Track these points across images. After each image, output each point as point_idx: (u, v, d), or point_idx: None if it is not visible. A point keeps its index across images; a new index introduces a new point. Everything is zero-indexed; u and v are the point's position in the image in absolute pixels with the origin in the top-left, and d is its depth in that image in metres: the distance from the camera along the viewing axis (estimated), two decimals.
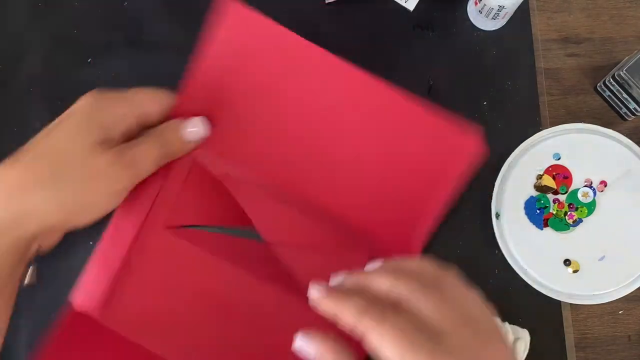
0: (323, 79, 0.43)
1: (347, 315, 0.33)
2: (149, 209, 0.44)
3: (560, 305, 0.47)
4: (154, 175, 0.42)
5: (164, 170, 0.43)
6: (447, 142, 0.42)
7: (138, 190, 0.42)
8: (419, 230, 0.43)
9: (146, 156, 0.40)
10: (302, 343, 0.34)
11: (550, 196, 0.47)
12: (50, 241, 0.40)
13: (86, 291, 0.43)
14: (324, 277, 0.39)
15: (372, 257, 0.42)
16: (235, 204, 0.44)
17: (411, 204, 0.43)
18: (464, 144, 0.42)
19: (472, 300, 0.35)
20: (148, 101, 0.42)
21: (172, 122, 0.42)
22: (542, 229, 0.47)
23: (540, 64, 0.50)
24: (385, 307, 0.33)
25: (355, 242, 0.44)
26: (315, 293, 0.35)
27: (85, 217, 0.39)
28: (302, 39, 0.42)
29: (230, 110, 0.44)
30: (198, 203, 0.45)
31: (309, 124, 0.43)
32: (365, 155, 0.43)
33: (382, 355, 0.32)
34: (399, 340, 0.31)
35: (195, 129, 0.42)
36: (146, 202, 0.44)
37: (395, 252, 0.41)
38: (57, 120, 0.40)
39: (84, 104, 0.39)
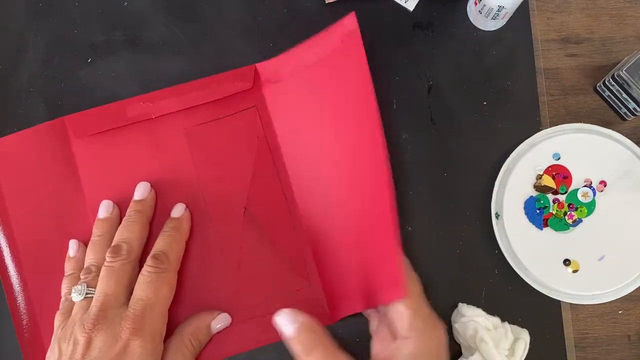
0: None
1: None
2: (188, 106, 0.47)
3: (560, 305, 0.47)
4: (220, 89, 0.47)
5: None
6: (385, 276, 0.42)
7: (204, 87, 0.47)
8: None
9: None
10: (284, 318, 0.40)
11: (550, 196, 0.47)
12: None
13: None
14: (258, 269, 0.46)
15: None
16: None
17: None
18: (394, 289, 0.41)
19: None
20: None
21: (203, 329, 0.44)
22: (541, 229, 0.47)
23: (540, 64, 0.50)
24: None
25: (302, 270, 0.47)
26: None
27: None
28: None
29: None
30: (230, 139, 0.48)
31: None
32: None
33: None
34: None
35: (221, 324, 0.45)
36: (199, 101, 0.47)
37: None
38: None
39: None
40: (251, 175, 0.47)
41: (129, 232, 0.44)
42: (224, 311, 0.45)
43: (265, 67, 0.48)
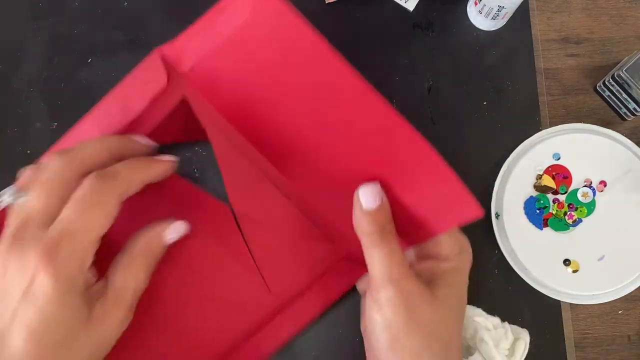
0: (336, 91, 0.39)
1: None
2: (126, 126, 0.41)
3: (560, 305, 0.47)
4: (138, 98, 0.41)
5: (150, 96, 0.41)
6: (448, 197, 0.38)
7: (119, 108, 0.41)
8: None
9: (134, 284, 0.36)
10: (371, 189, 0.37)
11: (550, 196, 0.47)
12: None
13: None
14: (278, 261, 0.44)
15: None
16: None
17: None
18: (466, 206, 0.38)
19: None
20: (103, 224, 0.34)
21: (154, 240, 0.38)
22: (541, 229, 0.47)
23: (540, 64, 0.50)
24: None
25: (322, 236, 0.45)
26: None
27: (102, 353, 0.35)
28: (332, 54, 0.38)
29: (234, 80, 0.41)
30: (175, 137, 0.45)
31: (306, 123, 0.41)
32: (354, 169, 0.40)
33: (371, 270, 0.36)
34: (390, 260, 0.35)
35: (175, 234, 0.39)
36: (125, 120, 0.41)
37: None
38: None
39: (50, 287, 0.31)
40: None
41: (89, 143, 0.37)
42: (263, 308, 0.43)
43: (170, 51, 0.42)
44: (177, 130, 0.44)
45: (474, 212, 0.37)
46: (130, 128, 0.41)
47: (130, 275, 0.36)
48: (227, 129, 0.43)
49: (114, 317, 0.35)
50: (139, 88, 0.42)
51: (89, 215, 0.33)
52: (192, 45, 0.41)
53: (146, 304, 0.40)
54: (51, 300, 0.31)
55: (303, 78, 0.39)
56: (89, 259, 0.33)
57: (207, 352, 0.44)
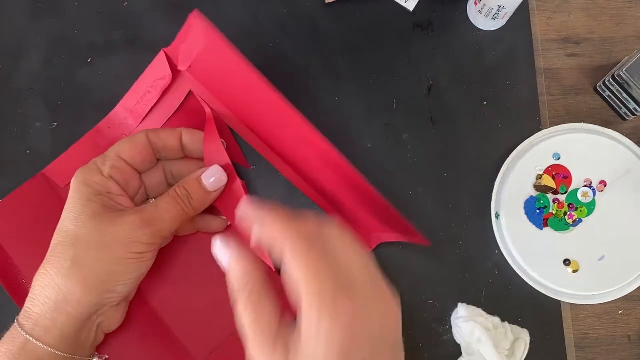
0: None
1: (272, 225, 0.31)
2: (141, 119, 0.47)
3: (560, 305, 0.47)
4: (151, 92, 0.46)
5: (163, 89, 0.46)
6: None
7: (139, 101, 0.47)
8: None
9: (165, 214, 0.39)
10: (219, 248, 0.33)
11: (550, 196, 0.47)
12: (110, 319, 0.40)
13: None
14: None
15: None
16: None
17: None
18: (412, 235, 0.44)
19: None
20: (126, 151, 0.42)
21: (190, 177, 0.41)
22: (541, 229, 0.47)
23: (540, 64, 0.50)
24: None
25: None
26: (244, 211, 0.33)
27: (116, 286, 0.38)
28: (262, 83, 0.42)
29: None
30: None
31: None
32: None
33: (292, 272, 0.29)
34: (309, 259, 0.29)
35: (214, 177, 0.41)
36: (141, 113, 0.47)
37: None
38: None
39: (72, 185, 0.40)
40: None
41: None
42: None
43: (171, 52, 0.45)
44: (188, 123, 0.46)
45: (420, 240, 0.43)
46: (149, 118, 0.47)
47: (162, 203, 0.40)
48: (225, 113, 0.46)
49: (125, 226, 0.38)
50: (151, 84, 0.46)
51: (119, 143, 0.42)
52: (183, 50, 0.45)
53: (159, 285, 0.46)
54: (71, 192, 0.39)
55: (251, 97, 0.44)
56: (105, 168, 0.40)
57: (215, 334, 0.45)
